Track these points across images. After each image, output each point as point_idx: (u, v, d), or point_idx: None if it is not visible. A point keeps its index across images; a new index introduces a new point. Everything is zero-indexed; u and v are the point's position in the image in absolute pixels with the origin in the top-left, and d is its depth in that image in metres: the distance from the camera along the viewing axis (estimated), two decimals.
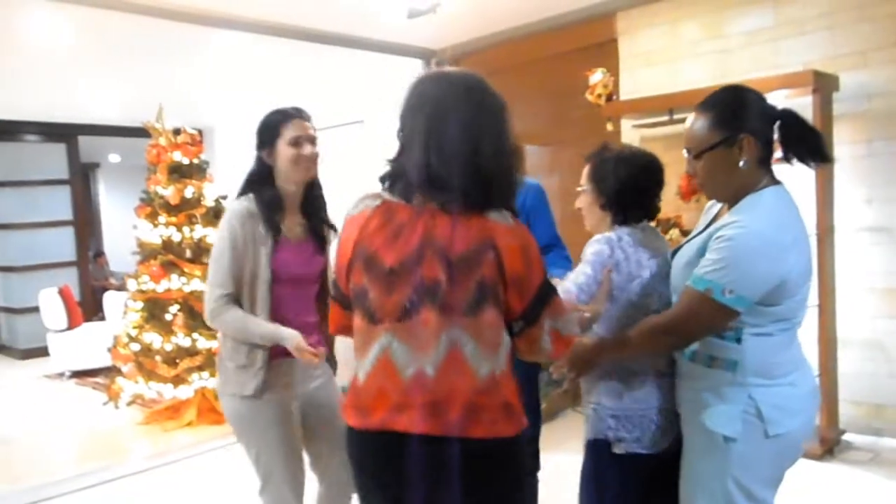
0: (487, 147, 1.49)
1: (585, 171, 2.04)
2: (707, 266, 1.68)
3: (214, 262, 2.22)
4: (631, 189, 1.94)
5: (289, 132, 2.26)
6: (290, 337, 2.14)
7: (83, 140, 8.56)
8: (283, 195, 2.29)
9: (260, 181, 2.27)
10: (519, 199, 1.67)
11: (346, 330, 1.68)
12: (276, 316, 2.23)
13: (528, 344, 1.58)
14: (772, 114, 1.77)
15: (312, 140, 2.30)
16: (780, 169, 1.82)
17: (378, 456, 1.56)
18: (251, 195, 2.26)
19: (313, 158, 2.29)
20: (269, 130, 2.27)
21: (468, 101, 1.51)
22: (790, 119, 1.77)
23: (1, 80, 6.12)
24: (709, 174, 1.78)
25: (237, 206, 2.23)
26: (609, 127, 4.64)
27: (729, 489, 1.73)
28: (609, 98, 4.80)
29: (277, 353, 2.25)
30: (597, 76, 4.82)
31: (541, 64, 5.54)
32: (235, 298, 2.20)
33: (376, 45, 5.34)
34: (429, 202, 1.51)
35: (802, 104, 3.85)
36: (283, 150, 2.25)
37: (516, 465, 1.59)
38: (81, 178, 8.90)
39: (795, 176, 2.00)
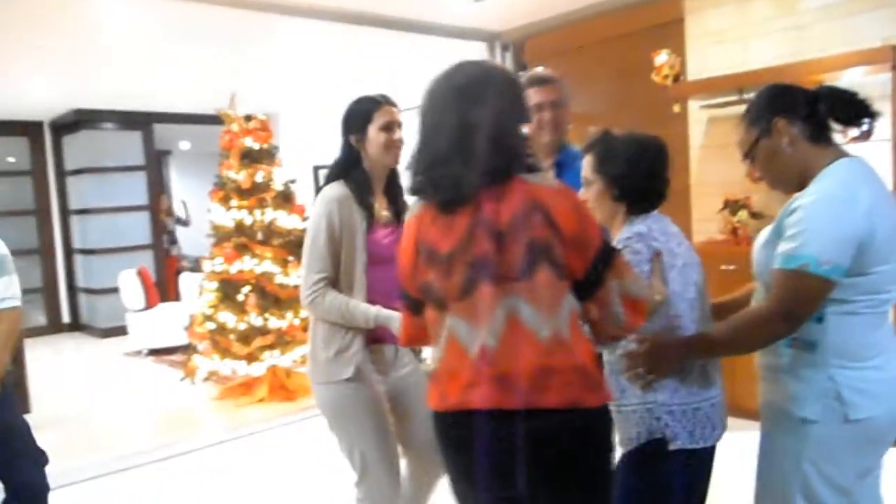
0: (489, 119, 1.52)
1: (588, 161, 1.93)
2: (791, 243, 1.63)
3: (311, 247, 2.25)
4: (647, 175, 1.86)
5: (380, 118, 2.30)
6: (398, 317, 2.02)
7: (157, 128, 8.89)
8: (372, 179, 2.34)
9: (350, 166, 2.32)
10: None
11: (418, 339, 1.73)
12: (369, 299, 2.25)
13: (600, 310, 1.56)
14: (806, 93, 1.76)
15: (400, 125, 2.35)
16: (857, 149, 1.80)
17: (457, 436, 1.58)
18: (342, 180, 2.30)
19: (401, 144, 2.33)
20: (361, 116, 2.31)
21: (456, 89, 1.56)
22: (826, 91, 1.75)
23: (83, 71, 6.40)
24: (764, 169, 1.79)
25: (331, 192, 2.27)
26: (676, 108, 4.58)
27: (806, 472, 1.70)
28: (676, 79, 4.73)
29: (374, 338, 2.28)
30: (662, 57, 4.76)
31: (604, 45, 5.48)
32: (333, 283, 2.23)
33: (439, 28, 5.37)
34: (461, 186, 1.53)
35: (881, 81, 3.74)
36: (375, 136, 2.30)
37: (601, 441, 1.55)
38: (156, 165, 9.23)
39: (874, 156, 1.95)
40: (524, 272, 1.48)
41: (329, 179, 2.35)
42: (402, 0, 4.83)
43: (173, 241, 9.22)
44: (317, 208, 2.27)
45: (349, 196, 2.27)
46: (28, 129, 8.80)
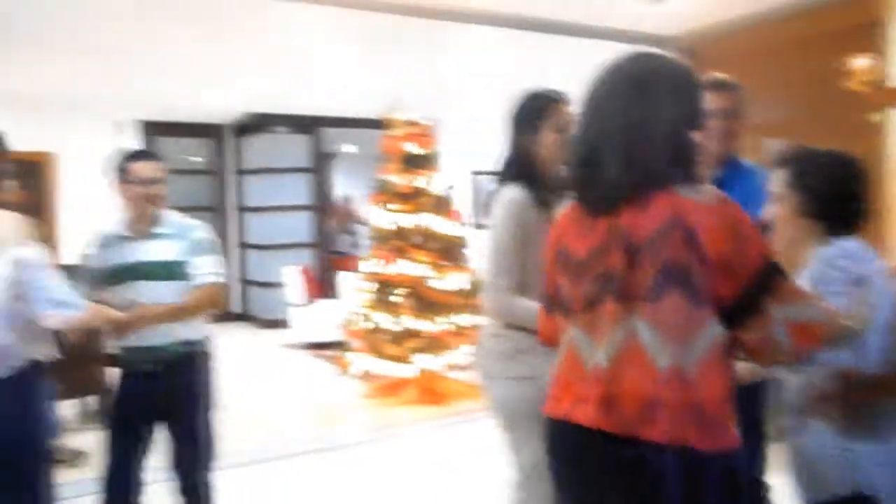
0: (647, 122, 1.41)
1: (781, 175, 1.78)
2: None
3: (496, 252, 2.18)
4: (850, 194, 1.73)
5: (554, 117, 2.20)
6: None
7: (324, 131, 9.30)
8: (547, 179, 2.24)
9: (524, 166, 2.22)
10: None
11: (553, 340, 1.65)
12: None
13: (756, 338, 1.39)
14: None
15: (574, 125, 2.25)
16: None
17: (560, 447, 1.53)
18: (521, 182, 2.20)
19: None
20: (533, 114, 2.21)
21: (623, 84, 1.46)
22: None
23: (258, 77, 6.81)
24: None
25: (514, 195, 2.18)
26: (875, 118, 4.12)
27: None
28: (876, 85, 4.25)
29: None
30: (861, 62, 4.29)
31: (790, 49, 5.05)
32: (516, 286, 2.16)
33: (608, 33, 5.19)
34: (607, 190, 1.43)
35: None
36: (548, 136, 2.20)
37: (706, 489, 1.35)
38: (321, 167, 9.65)
39: None
40: (652, 294, 1.36)
41: (504, 181, 2.25)
42: (571, 4, 4.71)
43: (355, 244, 9.38)
44: (500, 213, 2.19)
45: (528, 198, 2.17)
46: (211, 131, 9.53)
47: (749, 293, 1.37)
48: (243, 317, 9.62)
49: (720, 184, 2.24)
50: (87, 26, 5.08)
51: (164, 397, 2.62)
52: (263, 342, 8.22)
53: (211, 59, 6.04)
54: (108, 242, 2.68)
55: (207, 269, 2.64)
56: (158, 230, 2.65)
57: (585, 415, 1.42)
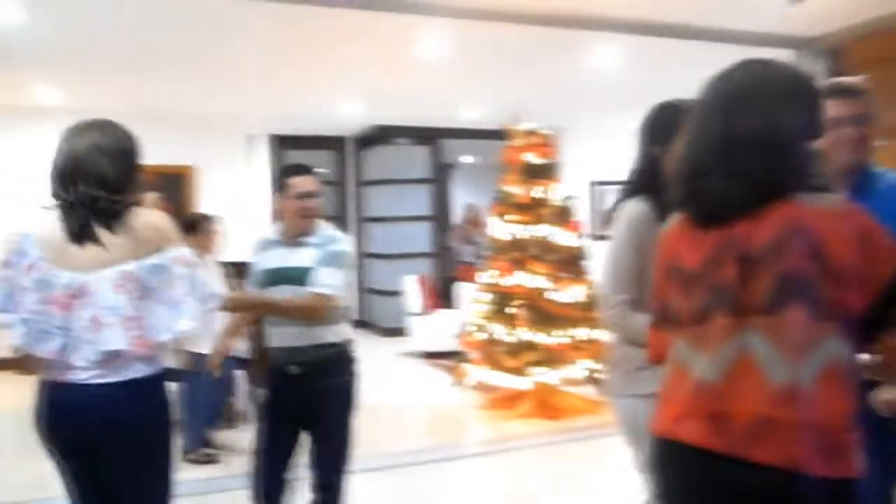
0: (761, 129, 1.35)
1: None
2: None
3: (614, 265, 2.15)
4: None
5: None
6: None
7: (444, 142, 9.42)
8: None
9: (651, 179, 2.13)
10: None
11: (663, 357, 1.58)
12: None
13: (892, 352, 1.32)
14: None
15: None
16: None
17: (665, 464, 1.49)
18: (646, 195, 2.12)
19: None
20: (667, 125, 2.09)
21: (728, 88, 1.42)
22: None
23: (385, 91, 6.98)
24: None
25: (636, 208, 2.13)
26: None
27: None
28: None
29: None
30: None
31: None
32: (636, 303, 2.09)
33: (744, 36, 4.94)
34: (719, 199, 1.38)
35: None
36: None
37: None
38: (441, 178, 9.77)
39: None
40: (769, 306, 1.30)
41: (628, 194, 2.18)
42: (704, 7, 4.52)
43: (477, 255, 9.32)
44: (619, 227, 2.15)
45: (650, 212, 2.09)
46: (335, 143, 9.87)
47: (882, 303, 1.30)
48: (363, 324, 9.87)
49: (853, 193, 2.09)
50: (223, 49, 5.41)
51: (305, 399, 2.71)
52: (382, 350, 8.37)
53: (336, 74, 6.25)
54: (264, 247, 2.86)
55: (325, 280, 2.69)
56: (307, 239, 2.77)
57: (690, 433, 1.38)
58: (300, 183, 2.78)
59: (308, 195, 2.77)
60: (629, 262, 2.10)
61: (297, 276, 2.71)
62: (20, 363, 6.60)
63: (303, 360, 2.71)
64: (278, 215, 2.89)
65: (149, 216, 2.16)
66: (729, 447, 1.31)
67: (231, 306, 2.65)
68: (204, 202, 7.99)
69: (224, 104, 7.45)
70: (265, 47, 5.33)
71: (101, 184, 2.08)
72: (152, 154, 2.58)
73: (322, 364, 2.73)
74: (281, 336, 2.74)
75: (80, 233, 2.07)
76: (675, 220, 1.54)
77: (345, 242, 2.83)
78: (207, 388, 4.44)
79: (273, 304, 2.70)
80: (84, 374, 2.05)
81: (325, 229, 2.82)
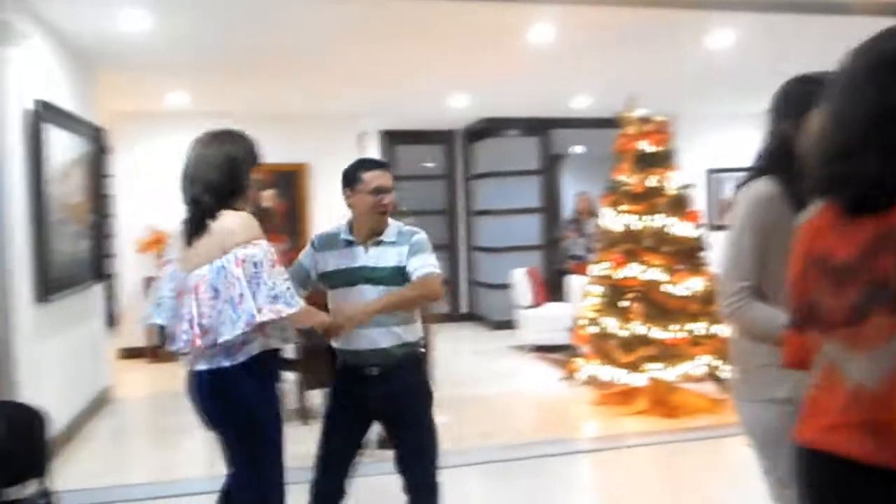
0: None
1: None
2: None
3: (733, 252, 1.98)
4: None
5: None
6: None
7: (554, 133, 9.27)
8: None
9: (781, 158, 1.94)
10: None
11: (802, 361, 1.44)
12: None
13: None
14: None
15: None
16: None
17: (812, 477, 1.38)
18: (777, 176, 1.93)
19: None
20: (802, 100, 1.91)
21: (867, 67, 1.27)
22: None
23: (493, 82, 6.95)
24: None
25: (759, 189, 1.95)
26: None
27: None
28: None
29: None
30: None
31: None
32: (758, 292, 1.93)
33: (867, 6, 4.55)
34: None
35: None
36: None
37: None
38: (550, 169, 9.64)
39: None
40: None
41: (755, 175, 1.99)
42: None
43: (590, 247, 9.01)
44: (742, 208, 1.96)
45: (779, 194, 1.91)
46: (444, 137, 9.93)
47: None
48: (472, 317, 9.90)
49: None
50: (335, 49, 5.54)
51: (388, 399, 2.66)
52: (492, 343, 8.38)
53: (445, 68, 6.28)
54: (329, 244, 2.74)
55: (424, 263, 2.67)
56: (384, 238, 2.69)
57: (845, 444, 1.26)
58: (374, 177, 2.66)
59: (383, 190, 2.66)
60: (750, 245, 1.92)
61: (380, 277, 2.63)
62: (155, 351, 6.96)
63: (384, 360, 2.64)
64: (350, 210, 2.75)
65: (227, 218, 2.35)
66: (889, 459, 1.20)
67: (321, 330, 2.58)
68: (317, 199, 8.27)
69: (337, 102, 7.65)
70: (376, 44, 5.41)
71: (205, 189, 2.36)
72: (269, 153, 2.71)
73: (402, 363, 2.67)
74: (357, 338, 2.64)
75: (185, 235, 2.40)
76: (815, 207, 1.39)
77: (423, 235, 2.75)
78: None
79: (387, 304, 2.60)
80: (193, 361, 2.40)
81: (397, 227, 2.73)
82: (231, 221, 2.34)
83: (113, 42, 5.09)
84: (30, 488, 2.91)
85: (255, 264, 2.28)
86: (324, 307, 2.69)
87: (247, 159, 2.43)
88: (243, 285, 2.26)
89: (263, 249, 2.31)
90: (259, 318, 2.26)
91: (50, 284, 4.39)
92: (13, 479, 2.79)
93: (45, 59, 4.64)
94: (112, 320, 6.40)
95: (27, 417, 2.81)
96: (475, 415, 5.49)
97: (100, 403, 5.70)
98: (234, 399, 2.39)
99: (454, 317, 9.87)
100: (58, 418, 4.12)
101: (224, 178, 2.38)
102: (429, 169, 10.14)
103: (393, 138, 9.44)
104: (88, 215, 5.34)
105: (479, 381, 6.76)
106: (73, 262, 4.95)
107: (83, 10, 4.48)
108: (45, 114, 4.36)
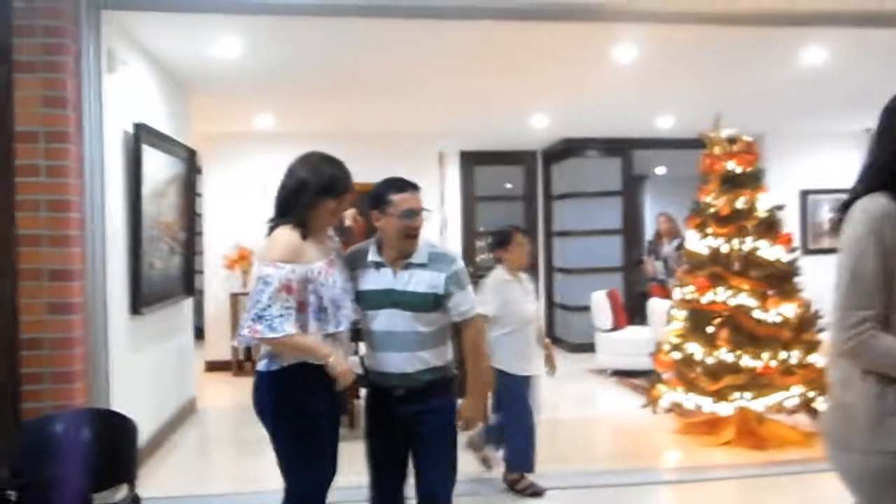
0: None
1: None
2: None
3: (850, 277, 1.75)
4: None
5: None
6: None
7: (635, 154, 9.11)
8: None
9: (893, 175, 1.78)
10: None
11: None
12: None
13: None
14: None
15: None
16: None
17: None
18: (888, 191, 1.77)
19: None
20: None
21: None
22: None
23: (574, 102, 6.89)
24: None
25: (874, 205, 1.76)
26: None
27: None
28: None
29: None
30: None
31: None
32: (884, 322, 1.73)
33: None
34: None
35: None
36: None
37: None
38: (632, 190, 9.45)
39: None
40: None
41: (861, 191, 1.81)
42: None
43: (669, 270, 8.21)
44: (857, 227, 1.76)
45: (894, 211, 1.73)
46: (523, 158, 9.89)
47: None
48: (553, 339, 9.75)
49: None
50: (417, 71, 5.63)
51: (413, 418, 2.64)
52: (570, 366, 8.20)
53: (526, 89, 6.26)
54: (357, 263, 2.68)
55: (466, 300, 2.64)
56: (414, 260, 2.62)
57: None
58: (404, 200, 2.58)
59: (414, 213, 2.58)
60: (874, 269, 1.71)
61: (410, 302, 2.58)
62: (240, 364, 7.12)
63: (409, 384, 2.63)
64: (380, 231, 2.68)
65: (273, 233, 2.53)
66: None
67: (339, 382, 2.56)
68: None
69: (417, 123, 7.74)
70: (458, 66, 5.46)
71: (275, 204, 2.58)
72: (350, 172, 2.71)
73: (428, 386, 2.64)
74: (383, 361, 2.63)
75: None
76: None
77: (458, 259, 2.71)
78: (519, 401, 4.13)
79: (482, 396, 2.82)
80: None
81: (427, 247, 2.65)
82: (271, 238, 2.53)
83: (205, 67, 5.32)
84: (119, 494, 3.02)
85: (265, 283, 2.40)
86: None
87: (317, 186, 2.53)
88: (250, 298, 2.46)
89: (279, 273, 2.41)
90: (242, 332, 2.47)
91: (143, 298, 4.59)
92: (103, 485, 2.90)
93: (143, 83, 4.89)
94: (199, 334, 6.63)
95: (118, 425, 2.92)
96: (551, 439, 5.39)
97: (186, 414, 5.89)
98: (261, 406, 2.56)
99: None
100: (146, 427, 4.29)
101: (286, 197, 2.55)
102: (508, 190, 10.11)
103: (472, 159, 9.48)
104: (180, 233, 5.57)
105: (555, 405, 6.63)
106: (165, 277, 5.16)
107: (180, 38, 4.71)
108: (143, 135, 4.58)
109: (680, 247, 7.80)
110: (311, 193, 2.51)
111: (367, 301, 2.63)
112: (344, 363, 2.55)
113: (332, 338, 2.56)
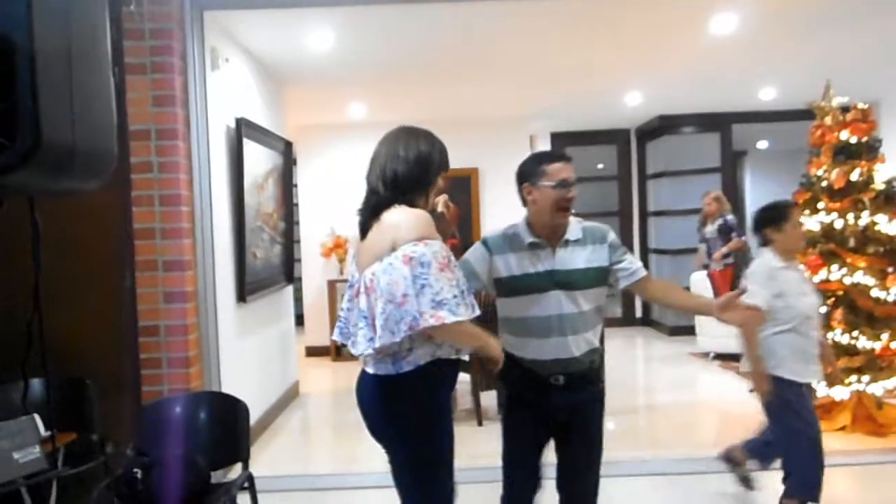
0: None
1: None
2: None
3: None
4: None
5: None
6: None
7: (735, 128, 8.74)
8: None
9: None
10: None
11: None
12: None
13: None
14: None
15: None
16: None
17: None
18: None
19: None
20: None
21: None
22: None
23: (669, 78, 6.66)
24: None
25: None
26: None
27: None
28: None
29: None
30: None
31: None
32: None
33: None
34: None
35: None
36: None
37: None
38: (731, 166, 9.08)
39: None
40: None
41: None
42: None
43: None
44: None
45: None
46: (616, 137, 9.66)
47: None
48: (646, 322, 9.54)
49: None
50: (508, 53, 5.57)
51: (566, 408, 2.52)
52: (669, 350, 8.02)
53: (618, 66, 6.10)
54: (509, 247, 2.51)
55: (638, 262, 2.56)
56: (569, 236, 2.49)
57: None
58: (559, 169, 2.43)
59: (568, 183, 2.43)
60: None
61: (573, 281, 2.45)
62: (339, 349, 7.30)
63: (571, 369, 2.47)
64: (531, 209, 2.51)
65: (397, 213, 2.17)
66: None
67: (483, 356, 2.34)
68: (485, 203, 8.34)
69: (508, 106, 7.69)
70: (550, 46, 5.37)
71: (386, 180, 2.21)
72: None
73: (586, 371, 2.52)
74: (548, 347, 2.47)
75: (360, 226, 2.28)
76: None
77: (611, 231, 2.59)
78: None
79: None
80: (365, 361, 2.25)
81: (577, 222, 2.53)
82: (400, 216, 2.16)
83: (300, 60, 5.45)
84: (233, 473, 3.17)
85: (422, 264, 2.07)
86: (493, 312, 2.62)
87: (437, 160, 2.28)
88: (408, 285, 2.05)
89: (434, 250, 2.10)
90: (421, 323, 2.04)
91: (248, 287, 4.77)
92: (219, 464, 3.05)
93: (243, 78, 5.06)
94: (298, 320, 6.85)
95: (231, 408, 3.05)
96: (650, 424, 5.27)
97: (289, 397, 6.11)
98: (394, 413, 2.21)
99: (627, 321, 9.56)
100: (254, 410, 4.46)
101: (411, 172, 2.21)
102: (601, 170, 9.92)
103: (563, 140, 9.34)
104: (279, 222, 5.75)
105: (653, 389, 6.49)
106: (267, 266, 5.35)
107: (276, 33, 4.84)
108: (244, 129, 4.75)
109: (723, 227, 7.37)
110: (435, 171, 2.27)
111: (526, 285, 2.46)
112: (498, 346, 2.33)
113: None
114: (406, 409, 2.19)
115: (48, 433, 2.41)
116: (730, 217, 7.46)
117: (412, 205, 2.20)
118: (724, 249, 7.31)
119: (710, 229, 7.52)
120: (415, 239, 2.10)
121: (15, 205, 0.97)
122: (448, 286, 2.07)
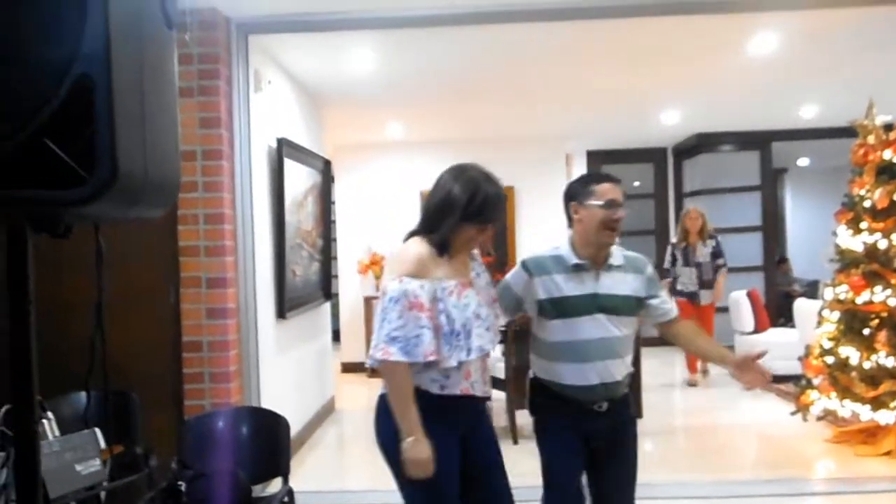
0: None
1: None
2: None
3: None
4: None
5: None
6: None
7: (775, 146, 8.63)
8: None
9: None
10: None
11: None
12: None
13: None
14: None
15: None
16: None
17: None
18: None
19: None
20: None
21: None
22: None
23: (707, 97, 6.62)
24: None
25: None
26: None
27: None
28: None
29: None
30: None
31: None
32: None
33: None
34: None
35: None
36: None
37: None
38: (771, 184, 8.96)
39: None
40: None
41: None
42: None
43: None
44: None
45: None
46: (653, 156, 9.61)
47: None
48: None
49: None
50: (545, 73, 5.60)
51: (606, 433, 2.52)
52: (709, 371, 7.88)
53: (655, 85, 6.09)
54: (551, 268, 2.49)
55: (671, 301, 2.62)
56: (613, 261, 2.50)
57: None
58: (607, 190, 2.43)
59: (616, 204, 2.42)
60: None
61: (616, 306, 2.46)
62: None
63: (613, 394, 2.48)
64: (576, 230, 2.51)
65: (404, 245, 2.29)
66: None
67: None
68: (522, 222, 8.34)
69: (543, 125, 7.71)
70: (587, 66, 5.39)
71: (421, 218, 2.33)
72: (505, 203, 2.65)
73: (625, 395, 2.56)
74: (592, 371, 2.43)
75: None
76: None
77: (650, 264, 2.64)
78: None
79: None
80: None
81: (619, 249, 2.54)
82: (395, 250, 2.30)
83: (339, 81, 5.55)
84: (273, 487, 3.21)
85: (390, 299, 2.15)
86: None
87: (463, 206, 2.22)
88: (377, 317, 2.20)
89: (407, 288, 2.14)
90: (373, 353, 2.17)
91: (288, 303, 4.85)
92: (260, 478, 3.10)
93: (284, 99, 5.17)
94: (335, 336, 6.91)
95: (273, 422, 3.10)
96: (689, 446, 5.20)
97: (326, 412, 6.16)
98: (376, 429, 2.39)
99: (664, 341, 9.41)
100: (292, 425, 4.51)
101: (432, 214, 2.28)
102: (637, 188, 9.86)
103: (599, 158, 9.32)
104: (318, 240, 5.84)
105: (692, 411, 6.39)
106: (306, 282, 5.43)
107: (316, 55, 4.94)
108: (284, 149, 4.85)
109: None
110: (456, 217, 2.22)
111: (569, 308, 2.44)
112: (423, 451, 2.19)
113: (467, 365, 2.27)
114: (382, 428, 2.34)
115: (105, 447, 2.49)
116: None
117: (440, 245, 2.24)
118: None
119: (704, 252, 6.90)
120: (395, 274, 2.20)
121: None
122: (414, 326, 2.14)
